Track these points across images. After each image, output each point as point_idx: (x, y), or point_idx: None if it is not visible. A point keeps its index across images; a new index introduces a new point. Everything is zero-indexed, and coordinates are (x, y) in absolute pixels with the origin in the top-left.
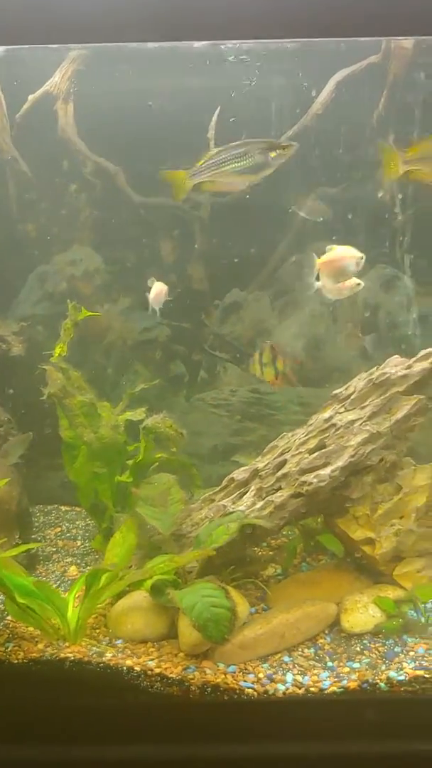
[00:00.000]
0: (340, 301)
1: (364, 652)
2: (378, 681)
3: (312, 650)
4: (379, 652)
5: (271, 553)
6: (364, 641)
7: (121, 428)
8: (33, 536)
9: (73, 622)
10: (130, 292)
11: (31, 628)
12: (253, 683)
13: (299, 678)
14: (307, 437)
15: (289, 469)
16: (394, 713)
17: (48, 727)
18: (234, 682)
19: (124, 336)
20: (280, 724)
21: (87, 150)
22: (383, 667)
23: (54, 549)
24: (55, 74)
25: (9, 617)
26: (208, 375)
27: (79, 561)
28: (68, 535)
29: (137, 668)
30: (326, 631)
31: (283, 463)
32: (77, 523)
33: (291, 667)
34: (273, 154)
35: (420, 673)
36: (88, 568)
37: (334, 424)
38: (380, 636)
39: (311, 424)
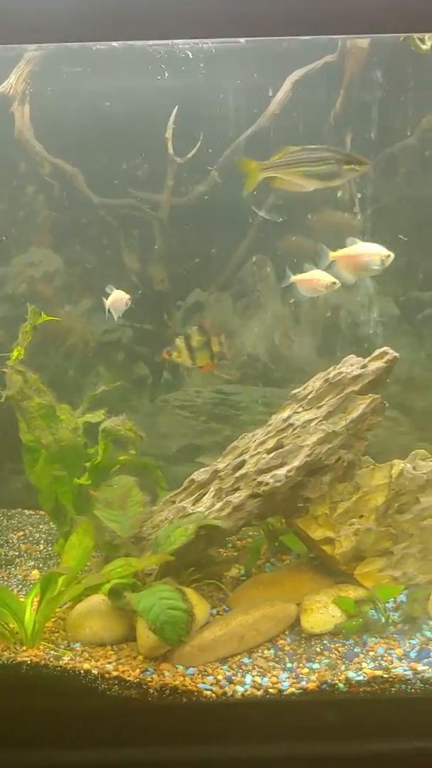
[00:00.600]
0: (302, 301)
1: (324, 652)
2: (337, 681)
3: (272, 651)
4: (338, 652)
5: (235, 553)
6: (324, 641)
7: (80, 431)
8: None
9: (30, 626)
10: (91, 293)
11: None
12: (211, 685)
13: (258, 679)
14: (266, 437)
15: (248, 470)
16: (352, 713)
17: (3, 731)
18: (192, 684)
19: (85, 338)
20: (238, 725)
21: (44, 151)
22: (343, 668)
23: (17, 553)
24: (11, 75)
25: None
26: (171, 376)
27: (41, 565)
28: (31, 538)
29: (95, 671)
30: (286, 632)
31: (242, 463)
32: (40, 527)
33: (250, 668)
34: (347, 167)
35: (378, 673)
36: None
37: (291, 424)
38: (340, 636)
39: (270, 424)
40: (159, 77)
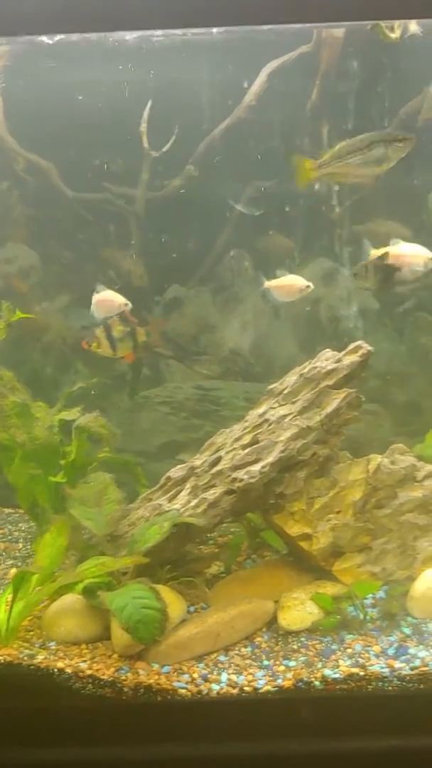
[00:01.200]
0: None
1: (301, 650)
2: (313, 679)
3: (249, 649)
4: (316, 649)
5: (216, 550)
6: (302, 639)
7: (55, 429)
8: None
9: (3, 625)
10: (68, 289)
11: None
12: (186, 683)
13: (234, 677)
14: (242, 433)
15: (223, 466)
16: (328, 712)
17: None
18: (167, 682)
19: (63, 334)
20: (213, 724)
21: (18, 147)
22: (319, 665)
23: None
24: None
25: None
26: (151, 372)
27: (20, 563)
28: (10, 537)
29: (69, 670)
30: (264, 629)
31: (218, 460)
32: (20, 525)
33: (227, 666)
34: (394, 148)
35: (355, 670)
36: None
37: (267, 420)
38: (318, 633)
39: (247, 420)
40: (133, 69)
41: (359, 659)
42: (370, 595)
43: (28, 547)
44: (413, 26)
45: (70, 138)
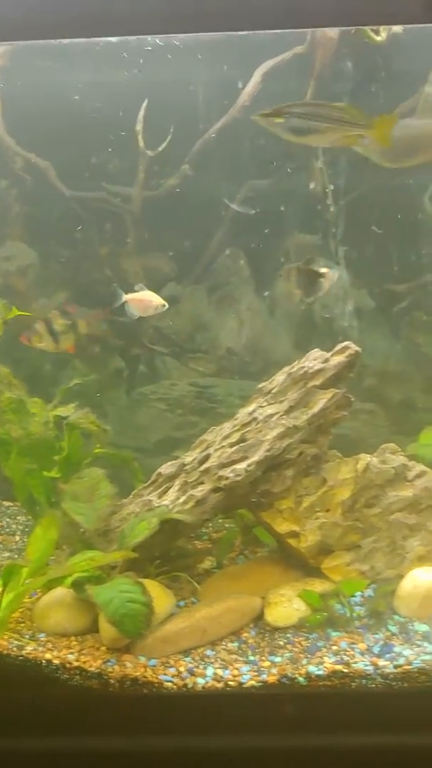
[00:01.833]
0: (276, 294)
1: (287, 646)
2: (297, 675)
3: (236, 644)
4: (301, 646)
5: (209, 546)
6: (288, 635)
7: (51, 424)
8: None
9: None
10: (65, 287)
11: None
12: (172, 677)
13: (220, 672)
14: (231, 431)
15: (211, 464)
16: (311, 708)
17: None
18: (153, 675)
19: None
20: (197, 717)
21: (16, 146)
22: (304, 662)
23: None
24: None
25: None
26: (147, 369)
27: (16, 556)
28: (8, 530)
29: (56, 661)
30: (251, 625)
31: (207, 457)
32: (18, 518)
33: (213, 660)
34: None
35: (339, 667)
36: None
37: (255, 418)
38: (304, 630)
39: (237, 418)
40: (129, 71)
41: (344, 656)
42: (359, 593)
43: (25, 539)
44: (396, 26)
45: (68, 138)
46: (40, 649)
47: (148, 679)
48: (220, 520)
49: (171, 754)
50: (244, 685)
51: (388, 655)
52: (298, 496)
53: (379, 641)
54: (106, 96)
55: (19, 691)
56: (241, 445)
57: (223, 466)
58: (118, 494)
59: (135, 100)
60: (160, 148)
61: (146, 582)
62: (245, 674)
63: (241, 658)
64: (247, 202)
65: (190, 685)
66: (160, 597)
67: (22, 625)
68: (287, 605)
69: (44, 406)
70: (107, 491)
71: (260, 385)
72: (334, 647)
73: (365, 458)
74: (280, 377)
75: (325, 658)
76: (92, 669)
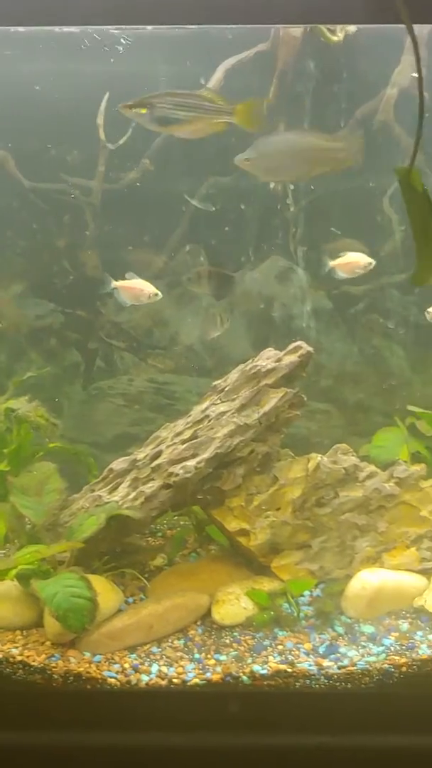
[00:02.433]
0: (235, 292)
1: (233, 644)
2: (241, 674)
3: (182, 641)
4: (248, 644)
5: (163, 543)
6: (235, 633)
7: (1, 416)
8: None
9: None
10: (23, 278)
11: None
12: (116, 673)
13: (165, 669)
14: (184, 428)
15: (162, 460)
16: (254, 707)
17: None
18: (97, 671)
19: (17, 323)
20: (139, 714)
21: None
22: (249, 660)
23: None
24: None
25: None
26: (105, 364)
27: None
28: None
29: None
30: (198, 623)
31: (159, 453)
32: None
33: (158, 657)
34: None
35: (283, 667)
36: None
37: (207, 416)
38: (251, 629)
39: (190, 415)
40: (90, 63)
41: (289, 656)
42: (307, 593)
43: None
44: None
45: (27, 129)
46: None
47: (91, 675)
48: (176, 517)
49: (112, 750)
50: (188, 683)
51: (332, 656)
52: (249, 495)
53: (324, 641)
54: (68, 87)
55: None
56: (192, 442)
57: (173, 462)
58: (73, 489)
59: (97, 92)
60: (120, 141)
61: (93, 578)
62: (190, 672)
63: (187, 656)
64: (208, 199)
65: (134, 682)
66: (108, 593)
67: None
68: (235, 603)
69: None
70: (57, 486)
71: (215, 383)
72: (280, 647)
73: (316, 458)
74: (233, 375)
75: (270, 658)
76: (36, 664)
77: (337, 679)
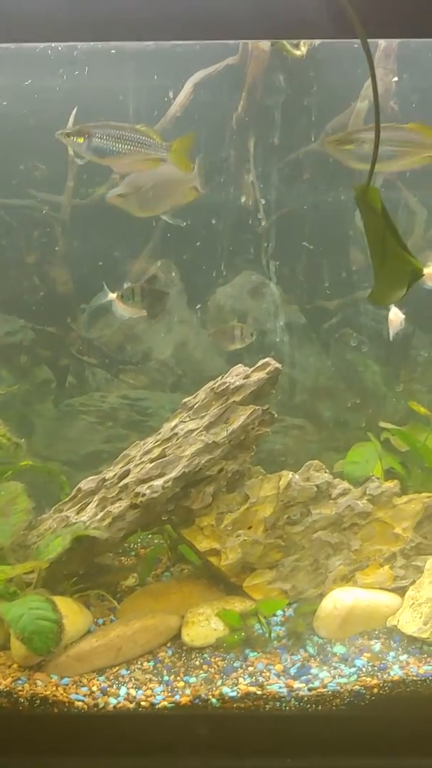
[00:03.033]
0: (208, 308)
1: (203, 666)
2: (210, 696)
3: (152, 663)
4: (218, 666)
5: (135, 562)
6: (205, 655)
7: None
8: None
9: None
10: None
11: None
12: (84, 696)
13: (133, 692)
14: (153, 446)
15: (130, 480)
16: (223, 730)
17: None
18: (65, 694)
19: None
20: (106, 738)
21: None
22: (219, 683)
23: None
24: None
25: None
26: (76, 380)
27: None
28: None
29: None
30: (168, 644)
31: (128, 472)
32: None
33: (127, 680)
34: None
35: (252, 689)
36: None
37: (176, 434)
38: (222, 650)
39: (160, 433)
40: (57, 77)
41: (259, 678)
42: (280, 612)
43: None
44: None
45: None
46: None
47: (58, 698)
48: (150, 536)
49: None
50: (157, 706)
51: (304, 677)
52: (220, 513)
53: (296, 663)
54: (36, 102)
55: None
56: (160, 461)
57: (140, 482)
58: (44, 508)
59: (65, 107)
60: (89, 157)
61: (61, 599)
62: (158, 695)
63: (156, 678)
64: (179, 214)
65: (101, 705)
66: (76, 615)
67: None
68: (205, 624)
69: None
70: (24, 506)
71: (185, 400)
72: (251, 668)
73: (287, 475)
74: (203, 392)
75: (241, 680)
76: (1, 687)
77: (307, 701)
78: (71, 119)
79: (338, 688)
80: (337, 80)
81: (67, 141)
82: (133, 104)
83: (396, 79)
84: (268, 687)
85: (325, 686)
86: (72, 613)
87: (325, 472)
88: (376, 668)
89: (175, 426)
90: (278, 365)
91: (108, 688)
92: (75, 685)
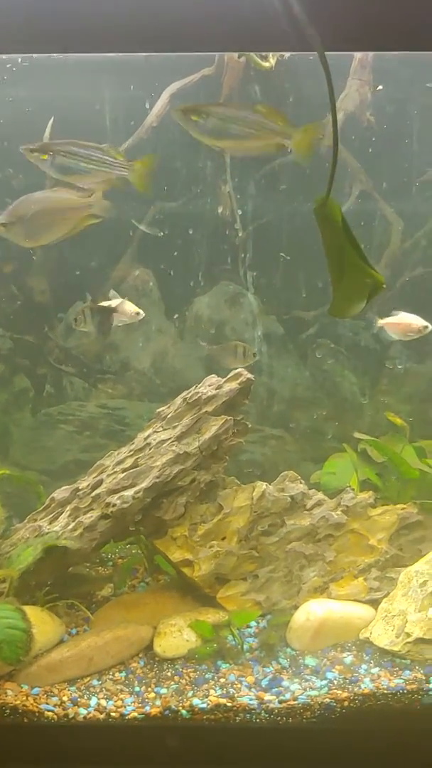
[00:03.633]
0: (185, 317)
1: (175, 677)
2: (181, 708)
3: (123, 674)
4: (189, 677)
5: (111, 572)
6: (177, 666)
7: None
8: None
9: None
10: None
11: None
12: (54, 706)
13: (104, 702)
14: (125, 456)
15: (102, 490)
16: (192, 741)
17: None
18: (35, 704)
19: None
20: (75, 748)
21: None
22: (190, 694)
23: None
24: None
25: None
26: (54, 389)
27: None
28: None
29: None
30: (141, 655)
31: (100, 482)
32: None
33: (98, 690)
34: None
35: (223, 701)
36: None
37: (149, 444)
38: (194, 661)
39: (133, 443)
40: (34, 87)
41: (230, 690)
42: (254, 624)
43: None
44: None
45: None
46: None
47: (28, 708)
48: (127, 546)
49: None
50: (127, 717)
51: (275, 690)
52: (193, 524)
53: (268, 675)
54: (12, 112)
55: None
56: (132, 471)
57: (112, 492)
58: (23, 517)
59: (41, 117)
60: (54, 174)
61: (32, 609)
62: (129, 705)
63: (127, 689)
64: (156, 224)
65: (71, 716)
66: (46, 624)
67: None
68: (177, 635)
69: None
70: None
71: (159, 410)
72: (222, 680)
73: (261, 486)
74: (176, 402)
75: (212, 691)
76: None
77: (278, 713)
78: (48, 129)
79: (309, 700)
80: (312, 91)
81: (30, 157)
82: (109, 114)
83: (381, 87)
84: (238, 699)
85: (295, 699)
86: (42, 623)
87: (301, 483)
88: (347, 681)
89: (149, 436)
90: (250, 376)
91: (79, 699)
92: (45, 695)
